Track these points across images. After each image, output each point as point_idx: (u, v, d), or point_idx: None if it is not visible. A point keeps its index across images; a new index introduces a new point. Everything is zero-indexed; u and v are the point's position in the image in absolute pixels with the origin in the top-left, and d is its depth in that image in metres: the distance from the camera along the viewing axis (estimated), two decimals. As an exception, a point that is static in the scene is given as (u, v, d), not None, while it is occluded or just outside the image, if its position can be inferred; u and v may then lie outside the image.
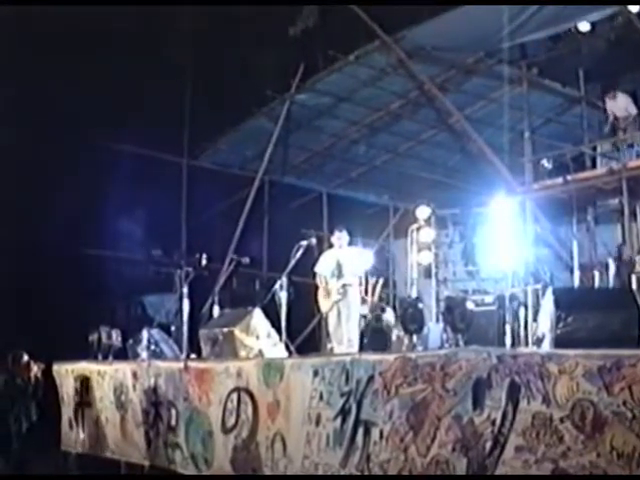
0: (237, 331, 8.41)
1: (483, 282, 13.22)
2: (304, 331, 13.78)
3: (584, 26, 11.02)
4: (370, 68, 11.99)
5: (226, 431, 7.67)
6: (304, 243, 9.06)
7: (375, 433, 5.92)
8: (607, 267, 10.33)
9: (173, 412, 8.53)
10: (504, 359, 5.09)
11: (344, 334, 9.46)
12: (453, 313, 8.98)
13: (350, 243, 10.08)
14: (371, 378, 6.04)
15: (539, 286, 10.21)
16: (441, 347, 8.87)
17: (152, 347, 10.31)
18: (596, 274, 10.51)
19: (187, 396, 8.31)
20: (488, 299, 10.40)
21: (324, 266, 9.80)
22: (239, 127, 14.13)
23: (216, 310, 10.42)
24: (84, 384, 10.35)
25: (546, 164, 11.29)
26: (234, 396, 7.59)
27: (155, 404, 8.84)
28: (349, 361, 6.36)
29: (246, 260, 11.42)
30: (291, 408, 6.86)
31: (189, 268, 10.84)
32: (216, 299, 10.79)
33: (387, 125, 14.05)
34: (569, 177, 10.71)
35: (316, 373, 6.62)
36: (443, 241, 14.52)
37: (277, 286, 8.67)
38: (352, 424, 6.14)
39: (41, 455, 10.29)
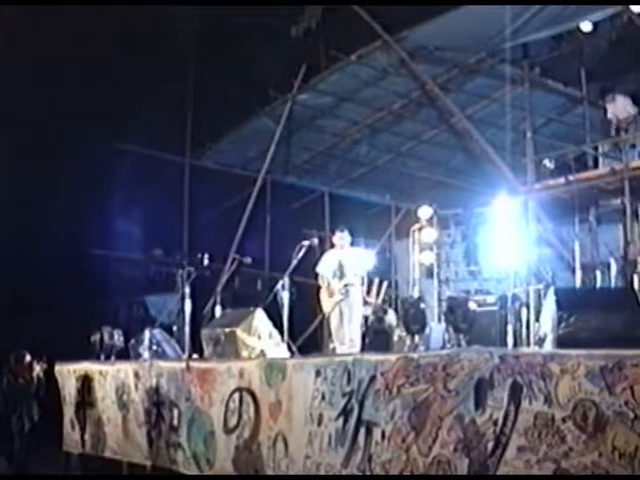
0: (239, 331, 8.42)
1: (485, 282, 13.22)
2: (306, 331, 13.78)
3: (586, 26, 11.00)
4: (372, 68, 11.97)
5: (228, 431, 7.67)
6: (306, 243, 9.06)
7: (377, 433, 5.93)
8: (609, 267, 10.33)
9: (175, 412, 8.54)
10: (506, 359, 5.09)
11: (346, 334, 9.47)
12: (455, 313, 8.99)
13: (352, 243, 10.09)
14: (373, 378, 6.04)
15: (541, 286, 10.19)
16: (443, 347, 8.86)
17: (154, 347, 10.32)
18: (598, 274, 10.51)
19: (189, 396, 8.31)
20: (490, 299, 10.42)
21: (326, 266, 9.81)
22: (241, 127, 14.12)
23: (218, 310, 10.43)
24: (86, 384, 10.36)
25: (548, 164, 11.28)
26: (236, 396, 7.60)
27: (157, 404, 8.85)
28: (351, 361, 6.36)
29: (248, 260, 11.44)
30: (293, 408, 6.86)
31: (191, 268, 10.85)
32: (218, 299, 10.78)
33: (389, 125, 14.04)
34: (571, 177, 10.69)
35: (318, 373, 6.63)
36: (445, 241, 14.51)
37: (279, 286, 8.67)
38: (354, 424, 6.14)
39: (43, 455, 10.30)
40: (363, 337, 9.53)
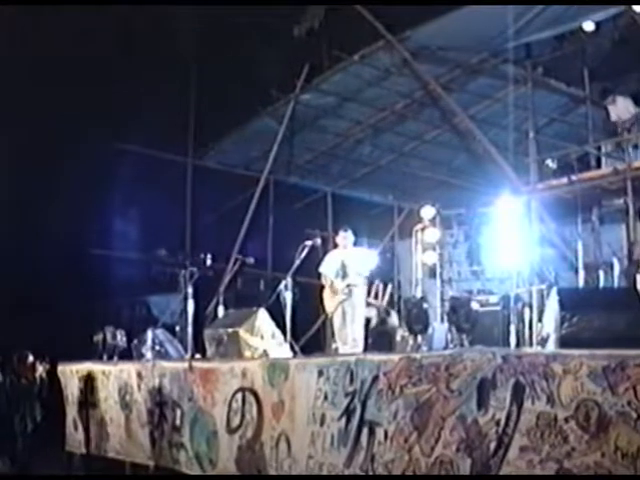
0: (242, 331, 8.43)
1: (488, 282, 13.20)
2: (309, 331, 13.77)
3: (589, 26, 10.99)
4: (375, 68, 11.97)
5: (231, 431, 7.68)
6: (309, 243, 9.06)
7: (379, 433, 5.93)
8: (612, 267, 10.32)
9: (178, 412, 8.54)
10: (509, 359, 5.09)
11: (349, 334, 9.46)
12: (458, 313, 9.00)
13: (355, 243, 10.08)
14: (376, 378, 6.04)
15: (544, 286, 10.17)
16: (446, 347, 8.86)
17: (157, 347, 10.34)
18: (601, 274, 10.50)
19: (192, 396, 8.32)
20: (493, 299, 10.39)
21: (329, 266, 9.80)
22: (244, 127, 14.12)
23: (221, 310, 10.44)
24: (89, 384, 10.37)
25: (551, 164, 11.27)
26: (239, 396, 7.61)
27: (160, 404, 8.86)
28: (354, 361, 6.36)
29: (251, 260, 11.45)
30: (296, 408, 6.87)
31: (194, 268, 10.85)
32: (221, 299, 10.79)
33: (392, 125, 14.03)
34: (574, 177, 10.68)
35: (321, 373, 6.63)
36: (448, 241, 14.50)
37: (282, 286, 8.65)
38: (356, 424, 6.15)
39: (46, 455, 10.30)
40: (366, 337, 9.54)
